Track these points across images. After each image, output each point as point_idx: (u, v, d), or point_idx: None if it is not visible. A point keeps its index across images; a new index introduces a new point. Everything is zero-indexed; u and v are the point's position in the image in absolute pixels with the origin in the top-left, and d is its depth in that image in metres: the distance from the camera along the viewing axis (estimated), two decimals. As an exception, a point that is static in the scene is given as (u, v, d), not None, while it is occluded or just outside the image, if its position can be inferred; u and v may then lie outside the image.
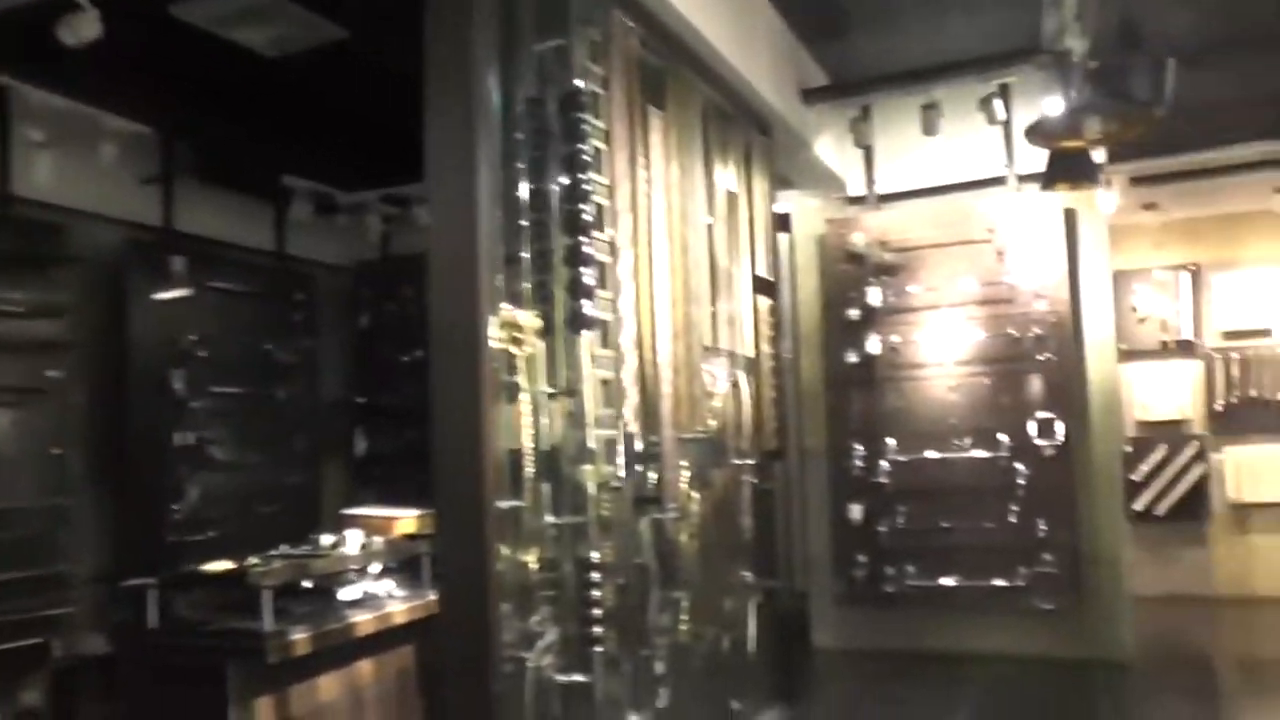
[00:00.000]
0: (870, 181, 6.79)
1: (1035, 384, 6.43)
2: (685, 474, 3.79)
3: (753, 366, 4.82)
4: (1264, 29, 6.32)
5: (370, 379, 7.53)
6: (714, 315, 4.33)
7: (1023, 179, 6.51)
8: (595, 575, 3.06)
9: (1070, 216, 6.58)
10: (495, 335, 2.77)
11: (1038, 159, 6.54)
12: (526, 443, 2.85)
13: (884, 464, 6.60)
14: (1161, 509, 9.12)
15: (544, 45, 3.23)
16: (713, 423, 4.18)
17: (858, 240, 6.70)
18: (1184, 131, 7.54)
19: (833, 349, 6.82)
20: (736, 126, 4.96)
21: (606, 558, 3.16)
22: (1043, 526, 6.33)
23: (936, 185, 6.87)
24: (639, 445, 3.48)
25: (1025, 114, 6.27)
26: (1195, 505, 9.14)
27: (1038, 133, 4.03)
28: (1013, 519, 6.38)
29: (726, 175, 4.74)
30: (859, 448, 6.67)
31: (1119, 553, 6.56)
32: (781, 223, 6.88)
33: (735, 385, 4.47)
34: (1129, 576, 6.61)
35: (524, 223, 3.07)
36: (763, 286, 5.12)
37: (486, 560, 2.58)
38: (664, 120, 3.90)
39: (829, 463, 6.85)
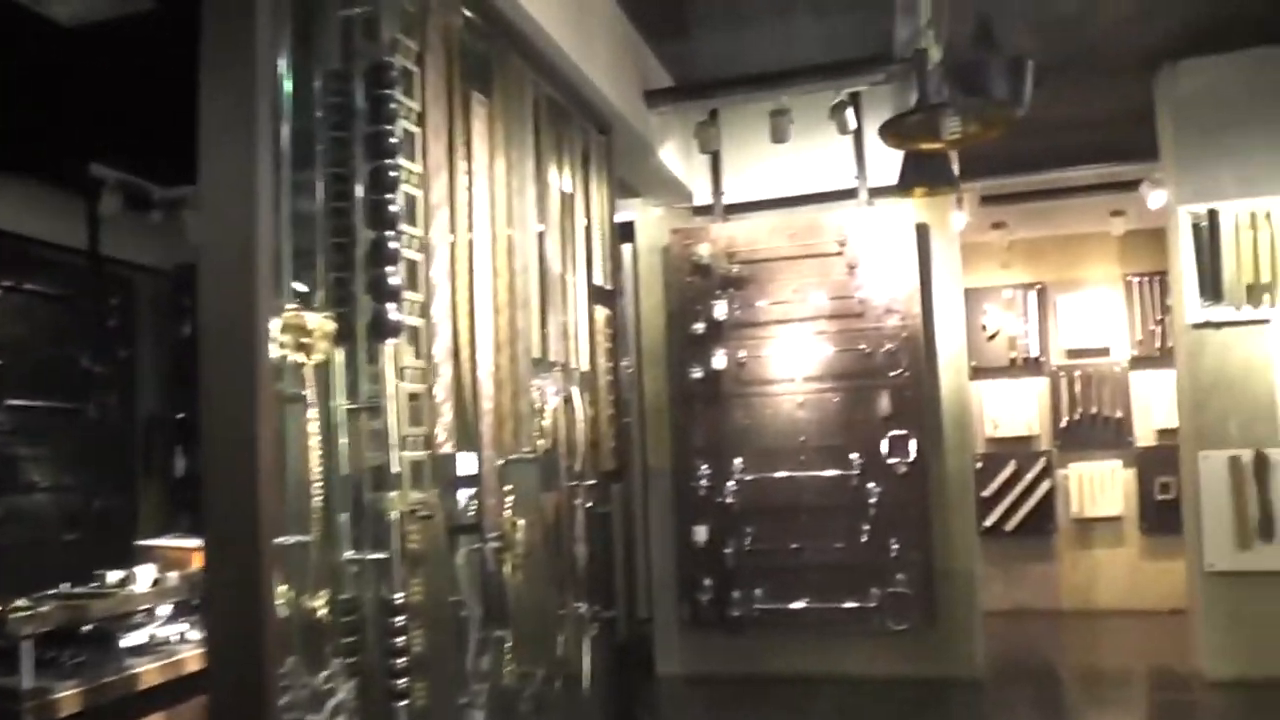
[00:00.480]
0: (717, 191, 6.59)
1: (887, 400, 6.31)
2: (509, 499, 3.44)
3: (589, 381, 4.50)
4: (1102, 52, 6.41)
5: (192, 393, 6.90)
6: (545, 325, 3.99)
7: (874, 192, 6.42)
8: (400, 618, 2.69)
9: (922, 231, 6.51)
10: (278, 340, 2.39)
11: (890, 171, 6.41)
12: (315, 466, 2.46)
13: (730, 483, 6.39)
14: (1010, 524, 9.22)
15: (349, 11, 2.86)
16: (542, 442, 3.83)
17: (703, 251, 6.48)
18: (1030, 151, 7.67)
19: (677, 364, 6.59)
20: (573, 124, 4.65)
21: (415, 596, 2.79)
22: (895, 545, 6.21)
23: (786, 196, 6.69)
24: (454, 468, 3.13)
25: (877, 124, 6.12)
26: (1042, 520, 9.28)
27: (893, 132, 3.82)
28: (864, 538, 6.24)
29: (561, 175, 4.43)
30: (704, 467, 6.45)
31: (971, 570, 6.50)
32: (624, 233, 6.62)
33: (568, 401, 4.14)
34: (980, 593, 6.56)
35: (320, 212, 2.69)
36: (601, 296, 4.81)
37: (261, 606, 2.18)
38: (489, 109, 3.56)
39: (673, 483, 6.61)
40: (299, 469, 2.47)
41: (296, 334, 2.42)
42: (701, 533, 6.38)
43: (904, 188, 5.45)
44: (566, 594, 4.07)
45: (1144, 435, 9.20)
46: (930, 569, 6.27)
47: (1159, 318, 9.17)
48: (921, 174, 5.13)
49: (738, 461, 6.40)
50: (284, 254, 2.52)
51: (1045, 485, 9.27)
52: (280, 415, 2.43)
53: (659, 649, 6.72)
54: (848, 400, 6.37)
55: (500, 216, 3.59)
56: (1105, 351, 9.38)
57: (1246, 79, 6.46)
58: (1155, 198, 7.74)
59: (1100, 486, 9.25)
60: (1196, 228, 6.45)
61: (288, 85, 2.61)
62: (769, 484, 6.37)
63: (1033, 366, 9.46)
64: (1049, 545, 9.32)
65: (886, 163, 6.40)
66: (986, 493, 9.03)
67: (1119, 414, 9.24)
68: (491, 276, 3.46)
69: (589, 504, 4.33)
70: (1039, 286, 9.51)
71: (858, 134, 6.24)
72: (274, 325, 2.38)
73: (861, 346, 6.33)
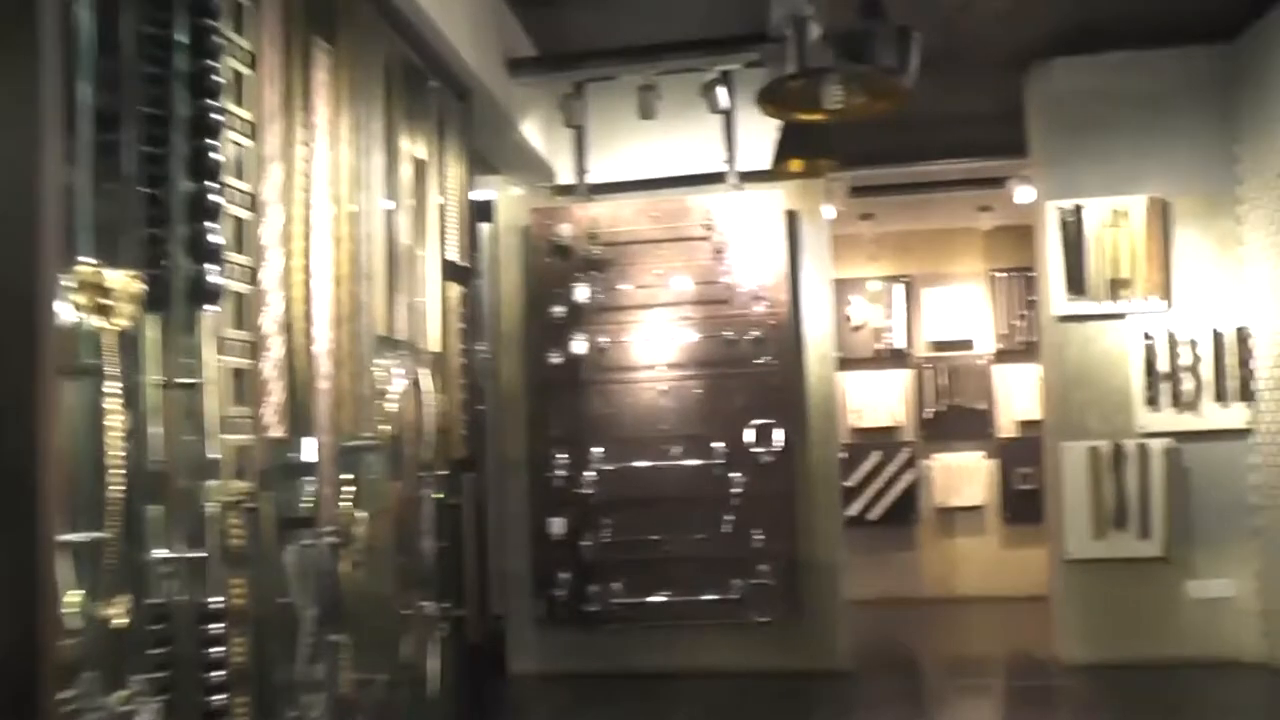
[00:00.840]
0: (581, 169, 6.35)
1: (752, 389, 6.17)
2: (348, 489, 3.15)
3: (440, 364, 4.22)
4: (977, 48, 6.40)
5: None
6: (392, 301, 3.70)
7: (744, 176, 6.29)
8: (217, 625, 2.38)
9: (792, 218, 6.38)
10: (72, 301, 2.05)
11: (760, 156, 6.31)
12: (116, 450, 2.13)
13: (589, 474, 6.16)
14: (874, 514, 9.27)
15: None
16: (386, 428, 3.54)
17: (565, 232, 6.24)
18: (901, 144, 7.67)
19: (536, 349, 6.34)
20: (429, 87, 4.36)
21: (236, 600, 2.48)
22: (759, 536, 6.08)
23: (653, 178, 6.50)
24: (284, 455, 2.82)
25: (749, 105, 5.98)
26: (906, 510, 9.37)
27: (773, 100, 3.63)
28: (727, 529, 6.09)
29: (415, 141, 4.13)
30: (562, 457, 6.20)
31: (836, 560, 6.42)
32: (484, 212, 6.35)
33: (417, 384, 3.84)
34: (845, 584, 6.49)
35: (130, 159, 2.34)
36: (455, 273, 4.53)
37: (41, 615, 1.87)
38: (334, 59, 3.24)
39: (529, 473, 6.37)
40: (94, 452, 2.13)
41: (94, 294, 2.07)
42: (558, 525, 6.13)
43: (781, 159, 5.30)
44: (412, 592, 3.79)
45: (1006, 427, 9.36)
46: (794, 560, 6.16)
47: (1022, 312, 9.32)
48: (800, 145, 4.98)
49: (597, 451, 6.18)
50: (82, 199, 2.17)
51: (909, 476, 9.35)
52: (73, 389, 2.10)
53: (512, 647, 6.46)
54: (712, 388, 6.20)
55: (344, 178, 3.29)
56: (969, 345, 9.51)
57: (1111, 82, 6.59)
58: (1023, 194, 7.85)
59: (963, 477, 9.39)
60: (1064, 223, 6.53)
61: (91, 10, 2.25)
62: (630, 474, 6.16)
63: (898, 358, 9.52)
64: (912, 534, 9.42)
65: (757, 147, 6.30)
66: (850, 482, 9.02)
67: (982, 406, 9.36)
68: (332, 244, 3.16)
69: (438, 495, 4.05)
70: (905, 279, 9.57)
71: (728, 115, 6.09)
72: (63, 282, 2.04)
73: (727, 333, 6.17)
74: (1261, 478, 6.32)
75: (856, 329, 9.47)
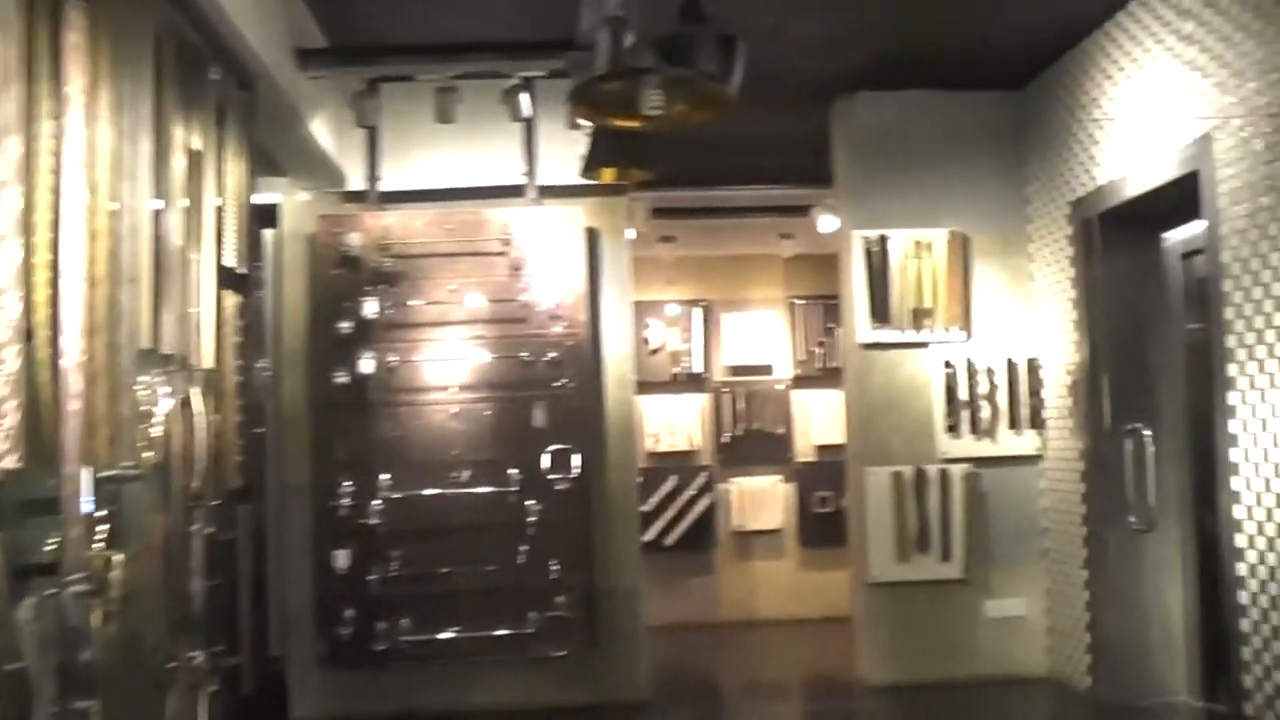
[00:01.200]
0: (373, 175, 6.03)
1: (549, 412, 5.95)
2: (102, 528, 2.72)
3: (214, 382, 3.79)
4: (786, 76, 6.37)
5: None
6: (158, 310, 3.26)
7: (544, 191, 6.12)
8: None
9: (592, 236, 6.23)
10: None
11: (561, 169, 6.09)
12: None
13: (376, 503, 5.81)
14: (671, 539, 9.15)
15: None
16: (150, 454, 3.11)
17: (354, 242, 5.87)
18: (706, 169, 7.62)
19: (320, 367, 5.94)
20: (207, 71, 3.93)
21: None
22: (555, 566, 5.85)
23: (449, 188, 6.22)
24: (21, 489, 2.39)
25: (552, 116, 5.83)
26: (703, 534, 9.30)
27: (585, 101, 3.39)
28: (522, 559, 5.85)
29: (190, 128, 3.70)
30: (348, 484, 5.82)
31: (635, 588, 6.27)
32: (267, 216, 5.91)
33: (186, 404, 3.42)
34: (644, 613, 6.34)
35: None
36: (233, 281, 4.11)
37: None
38: (92, 21, 2.80)
39: (312, 502, 5.95)
40: None
41: None
42: (342, 558, 5.74)
43: (592, 168, 5.07)
44: (179, 641, 3.36)
45: (804, 451, 9.41)
46: (592, 589, 5.97)
47: (820, 339, 9.40)
48: (612, 154, 4.75)
49: (385, 478, 5.82)
50: None
51: (706, 500, 9.26)
52: None
53: (294, 691, 6.01)
54: (507, 411, 5.95)
55: (103, 163, 2.86)
56: (768, 370, 9.54)
57: (914, 118, 6.75)
58: (826, 223, 7.91)
59: (761, 501, 9.37)
60: (869, 252, 6.59)
61: None
62: (419, 502, 5.84)
63: (695, 382, 9.45)
64: (710, 559, 9.36)
65: (559, 160, 6.07)
66: (647, 507, 8.88)
67: (780, 430, 9.38)
68: (87, 238, 2.73)
69: (210, 529, 3.62)
70: (704, 304, 9.51)
71: (530, 124, 5.89)
72: None
73: (523, 354, 5.93)
74: (1049, 501, 6.59)
75: (654, 352, 9.36)
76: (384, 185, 6.07)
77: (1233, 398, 4.80)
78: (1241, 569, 4.76)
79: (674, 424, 9.36)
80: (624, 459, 6.31)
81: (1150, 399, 6.03)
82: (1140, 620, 5.99)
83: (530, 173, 6.06)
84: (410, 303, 5.91)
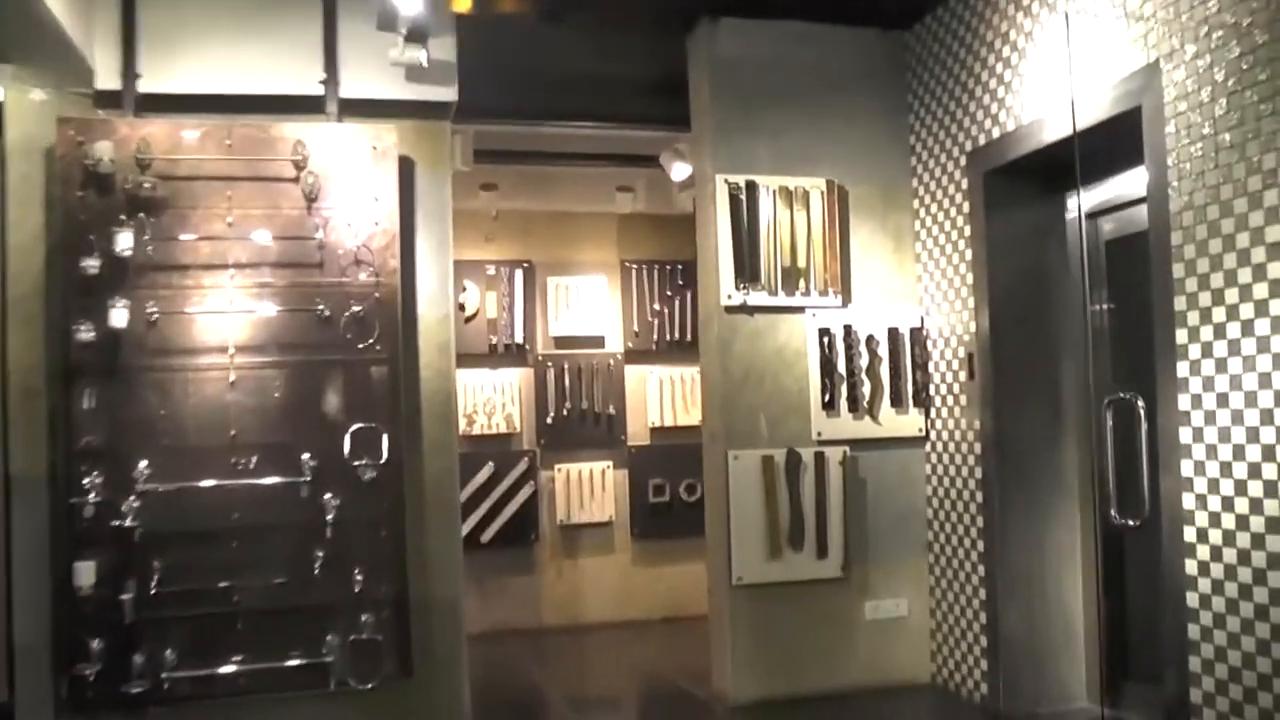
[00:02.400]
0: (131, 71, 4.74)
1: (353, 383, 4.81)
2: None
3: None
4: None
5: None
6: None
7: (348, 106, 4.98)
8: None
9: (407, 167, 5.08)
10: None
11: (370, 81, 4.96)
12: None
13: (133, 499, 4.50)
14: (487, 535, 8.07)
15: None
16: None
17: (105, 156, 4.52)
18: (542, 105, 6.60)
19: (60, 321, 4.56)
20: None
21: None
22: (359, 576, 4.72)
23: (229, 95, 4.88)
24: None
25: (358, 12, 4.84)
26: (524, 528, 8.25)
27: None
28: (319, 569, 4.66)
29: None
30: (95, 475, 4.50)
31: (456, 598, 5.17)
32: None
33: None
34: (465, 626, 5.24)
35: None
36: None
37: None
38: None
39: (49, 500, 4.59)
40: None
41: None
42: (88, 572, 4.41)
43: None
44: None
45: (638, 434, 8.47)
46: (405, 603, 4.83)
47: (657, 308, 8.42)
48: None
49: (143, 466, 4.52)
50: None
51: (528, 489, 8.19)
52: None
53: (21, 744, 4.62)
54: (300, 381, 4.76)
55: None
56: (599, 342, 8.50)
57: (785, 52, 5.93)
58: (679, 170, 6.93)
59: (589, 489, 8.37)
60: (734, 200, 5.67)
61: None
62: (189, 498, 4.58)
63: (516, 355, 8.32)
64: (531, 556, 8.32)
65: (367, 68, 4.95)
66: (460, 498, 7.66)
67: (611, 410, 8.37)
68: None
69: None
70: (526, 265, 8.38)
71: (331, 17, 4.66)
72: None
73: (320, 308, 4.74)
74: (935, 488, 5.87)
75: (469, 319, 8.19)
76: (145, 85, 4.77)
77: (1183, 369, 4.04)
78: (1191, 567, 4.04)
79: (491, 402, 8.23)
80: (442, 441, 5.18)
81: (1052, 373, 5.40)
82: (1041, 620, 5.39)
83: (331, 81, 4.88)
84: (178, 237, 4.62)
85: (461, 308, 8.08)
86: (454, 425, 5.30)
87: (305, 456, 4.66)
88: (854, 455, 5.74)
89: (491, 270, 8.27)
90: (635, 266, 8.50)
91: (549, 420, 8.28)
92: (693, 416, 8.28)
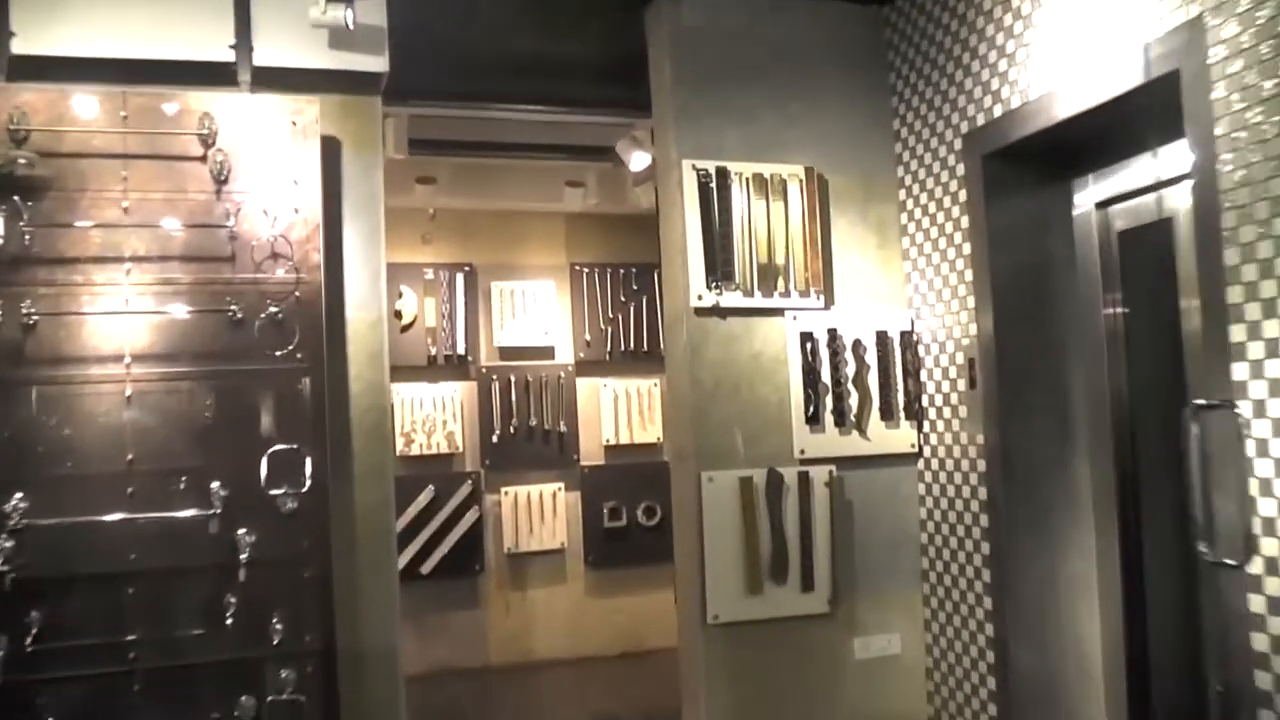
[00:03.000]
0: (3, 30, 3.99)
1: (270, 397, 4.14)
2: None
3: None
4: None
5: None
6: None
7: (262, 76, 4.31)
8: None
9: (331, 148, 4.44)
10: None
11: (289, 48, 4.32)
12: None
13: (3, 538, 3.77)
14: (427, 566, 7.48)
15: None
16: None
17: (-28, 131, 3.83)
18: (478, 81, 6.02)
19: (-88, 323, 3.85)
20: None
21: None
22: (279, 626, 4.01)
23: (122, 58, 4.16)
24: None
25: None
26: (468, 558, 7.69)
27: None
28: (232, 619, 3.95)
29: None
30: (-46, 509, 3.78)
31: (393, 649, 4.50)
32: None
33: None
34: (402, 677, 4.58)
35: None
36: None
37: None
38: None
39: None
40: None
41: None
42: (-55, 624, 3.71)
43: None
44: None
45: (590, 453, 7.89)
46: (331, 655, 4.16)
47: (611, 315, 7.83)
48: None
49: (17, 499, 3.81)
50: None
51: (472, 514, 7.60)
52: None
53: None
54: (208, 395, 4.05)
55: None
56: (549, 353, 7.95)
57: (750, 22, 5.33)
58: (638, 159, 6.38)
59: (539, 514, 7.80)
60: (704, 188, 5.09)
61: None
62: (74, 535, 3.86)
63: (458, 367, 7.71)
64: (476, 588, 7.75)
65: (286, 32, 4.29)
66: (397, 527, 6.99)
67: (562, 427, 7.79)
68: None
69: None
70: (467, 268, 7.76)
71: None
72: None
73: (231, 308, 4.06)
74: (930, 510, 5.27)
75: (406, 328, 7.55)
76: (20, 46, 4.05)
77: (1240, 370, 3.49)
78: (1257, 604, 3.46)
79: (431, 419, 7.60)
80: (376, 464, 4.51)
81: (1060, 380, 4.84)
82: (1056, 658, 4.77)
83: (243, 46, 4.22)
84: (63, 225, 3.92)
85: (398, 315, 7.49)
86: (389, 445, 4.65)
87: (215, 485, 3.96)
88: (840, 475, 5.17)
89: (430, 274, 7.68)
90: (586, 270, 7.96)
91: (494, 438, 7.69)
92: (650, 433, 7.78)
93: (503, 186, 7.66)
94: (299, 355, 4.11)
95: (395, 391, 7.40)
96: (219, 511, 3.95)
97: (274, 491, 4.02)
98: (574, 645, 7.80)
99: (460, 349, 7.70)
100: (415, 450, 7.57)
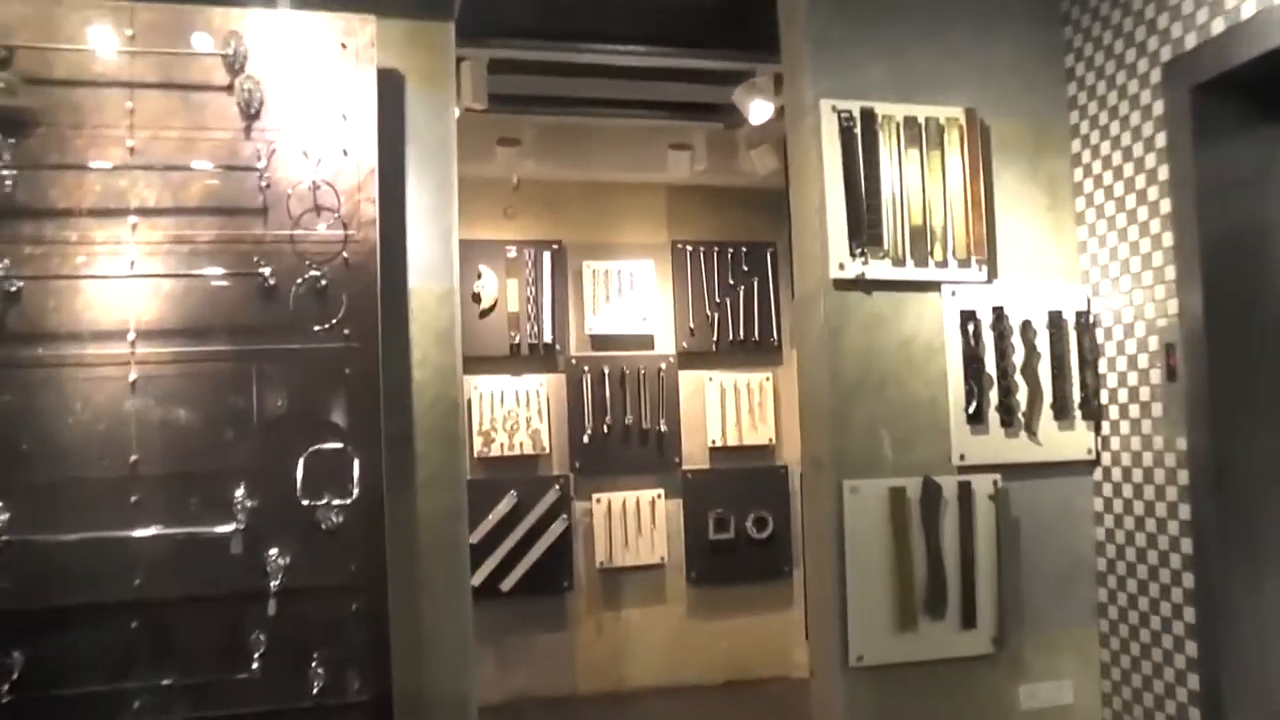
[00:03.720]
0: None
1: (310, 383, 3.37)
2: None
3: None
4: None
5: None
6: None
7: None
8: None
9: (392, 83, 3.70)
10: None
11: None
12: None
13: (-26, 557, 3.07)
14: (508, 583, 6.79)
15: None
16: None
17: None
18: (568, 18, 5.21)
19: None
20: None
21: None
22: (320, 670, 3.26)
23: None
24: None
25: None
26: (555, 574, 6.95)
27: None
28: (260, 662, 3.22)
29: None
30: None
31: (465, 693, 3.74)
32: None
33: None
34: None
35: None
36: None
37: None
38: None
39: None
40: None
41: None
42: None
43: None
44: None
45: (694, 455, 7.12)
46: (387, 707, 3.36)
47: (718, 300, 7.03)
48: None
49: (-3, 507, 3.10)
50: None
51: (560, 524, 6.90)
52: None
53: None
54: (231, 380, 3.31)
55: None
56: (647, 342, 7.22)
57: None
58: (759, 109, 5.59)
59: (636, 524, 7.08)
60: (846, 133, 4.25)
61: None
62: (66, 557, 3.13)
63: (544, 358, 6.99)
64: (563, 608, 7.01)
65: None
66: (472, 539, 6.47)
67: (662, 427, 7.00)
68: None
69: None
70: (555, 246, 7.00)
71: None
72: None
73: (262, 272, 3.30)
74: (1108, 532, 4.37)
75: (486, 313, 6.82)
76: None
77: None
78: None
79: (514, 416, 6.87)
80: (445, 468, 3.75)
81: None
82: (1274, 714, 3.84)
83: (282, -48, 3.47)
84: (52, 166, 3.20)
85: (476, 298, 6.75)
86: (462, 446, 3.87)
87: (239, 494, 3.22)
88: (1005, 486, 4.28)
89: (513, 252, 6.95)
90: (690, 248, 7.20)
91: (585, 438, 6.97)
92: (761, 434, 7.01)
93: (596, 152, 6.92)
94: (346, 332, 3.34)
95: (472, 384, 6.78)
96: (244, 526, 3.19)
97: (313, 502, 3.26)
98: (673, 672, 7.09)
99: (547, 337, 6.98)
100: (495, 451, 6.87)
